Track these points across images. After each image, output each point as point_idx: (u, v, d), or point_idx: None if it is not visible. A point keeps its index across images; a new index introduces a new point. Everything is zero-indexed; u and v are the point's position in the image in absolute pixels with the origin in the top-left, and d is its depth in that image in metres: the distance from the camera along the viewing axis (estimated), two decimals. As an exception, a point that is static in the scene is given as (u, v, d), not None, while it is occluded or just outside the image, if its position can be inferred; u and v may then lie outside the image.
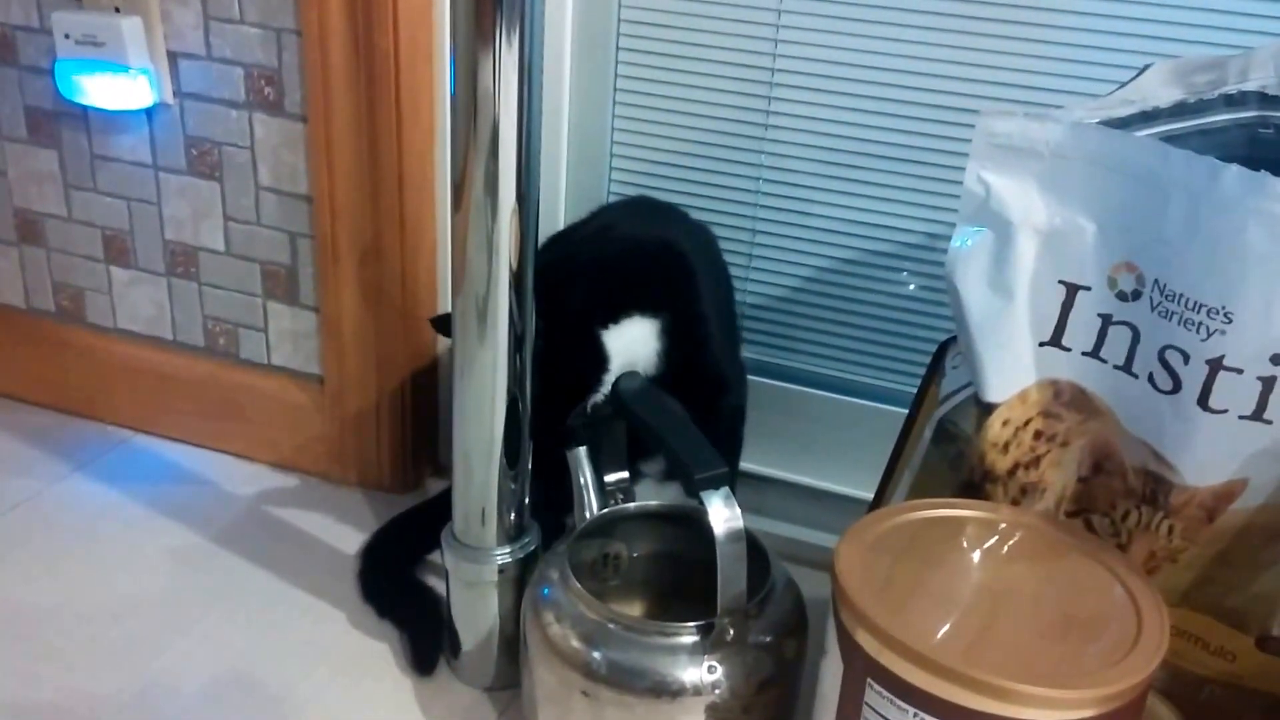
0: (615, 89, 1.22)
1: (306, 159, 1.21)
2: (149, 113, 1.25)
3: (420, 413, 1.31)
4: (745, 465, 1.24)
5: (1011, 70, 1.07)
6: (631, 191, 1.25)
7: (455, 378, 0.94)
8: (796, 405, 1.23)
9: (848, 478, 1.21)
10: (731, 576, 0.81)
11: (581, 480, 0.99)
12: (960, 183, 0.83)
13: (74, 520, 1.24)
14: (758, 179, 1.20)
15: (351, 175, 1.19)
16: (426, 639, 1.07)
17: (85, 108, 1.27)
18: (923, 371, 0.97)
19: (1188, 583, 0.84)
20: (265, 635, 1.09)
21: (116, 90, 1.22)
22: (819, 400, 1.23)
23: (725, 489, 0.81)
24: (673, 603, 1.03)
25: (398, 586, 1.15)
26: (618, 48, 1.20)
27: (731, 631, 0.83)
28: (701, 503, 0.81)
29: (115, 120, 1.27)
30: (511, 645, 1.01)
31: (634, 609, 1.04)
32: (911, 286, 1.18)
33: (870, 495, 1.02)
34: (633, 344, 1.01)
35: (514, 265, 0.89)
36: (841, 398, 1.22)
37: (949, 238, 0.84)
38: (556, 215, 1.25)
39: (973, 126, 0.82)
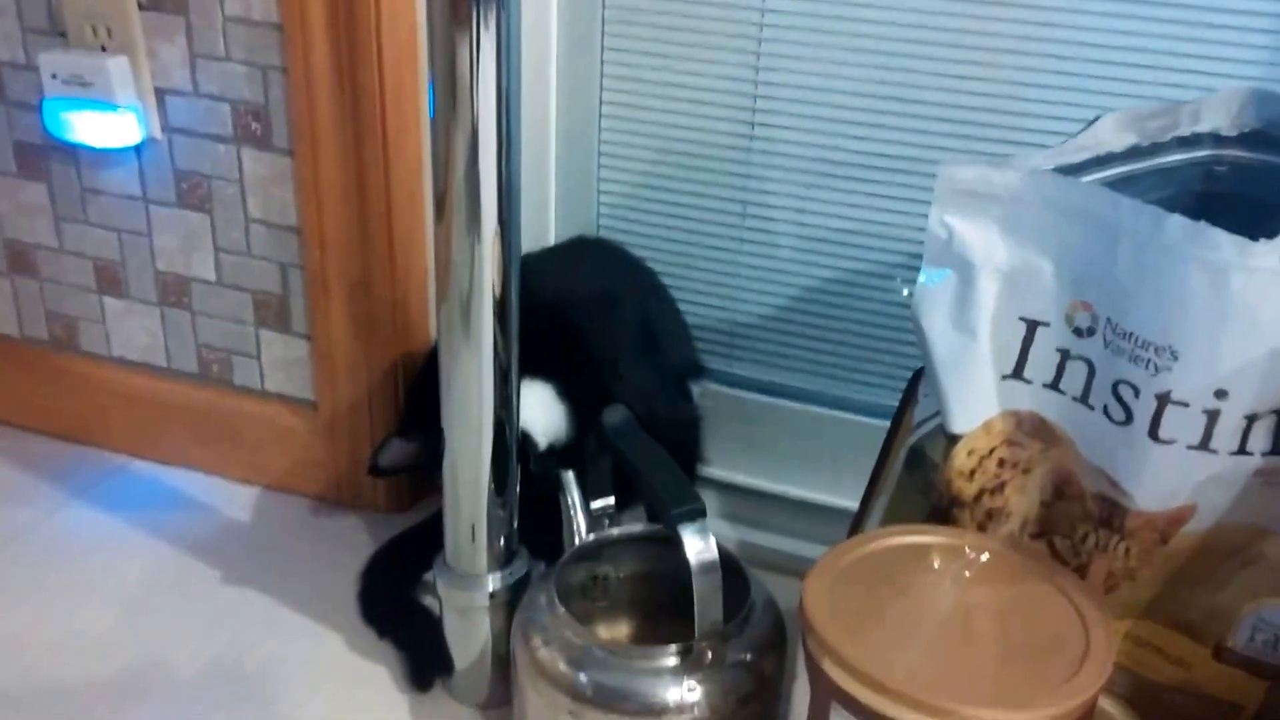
0: (601, 104, 1.25)
1: (295, 192, 1.24)
2: (138, 148, 1.28)
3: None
4: (734, 477, 1.29)
5: (1000, 82, 1.11)
6: (619, 198, 1.28)
7: (442, 405, 0.98)
8: (785, 419, 1.27)
9: (834, 489, 1.25)
10: (707, 605, 0.86)
11: (570, 504, 1.03)
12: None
13: (73, 548, 1.28)
14: (745, 189, 1.23)
15: (339, 208, 1.22)
16: (424, 657, 1.11)
17: (74, 144, 1.30)
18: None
19: (1146, 598, 0.88)
20: (263, 657, 1.13)
21: (104, 127, 1.25)
22: (806, 415, 1.27)
23: (701, 523, 0.86)
24: (660, 621, 1.07)
25: (396, 606, 1.19)
26: (603, 61, 1.24)
27: (710, 654, 0.88)
28: (678, 536, 0.85)
29: (104, 155, 1.31)
30: (503, 665, 1.05)
31: (622, 629, 1.08)
32: (905, 292, 1.21)
33: (855, 505, 1.06)
34: (534, 407, 1.08)
35: (497, 290, 0.92)
36: (828, 411, 1.26)
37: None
38: (546, 235, 1.29)
39: (958, 139, 0.84)
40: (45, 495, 1.37)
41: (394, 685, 1.10)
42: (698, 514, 0.86)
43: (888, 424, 1.03)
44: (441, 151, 0.89)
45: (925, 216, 1.15)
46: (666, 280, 1.28)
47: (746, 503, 1.30)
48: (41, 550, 1.27)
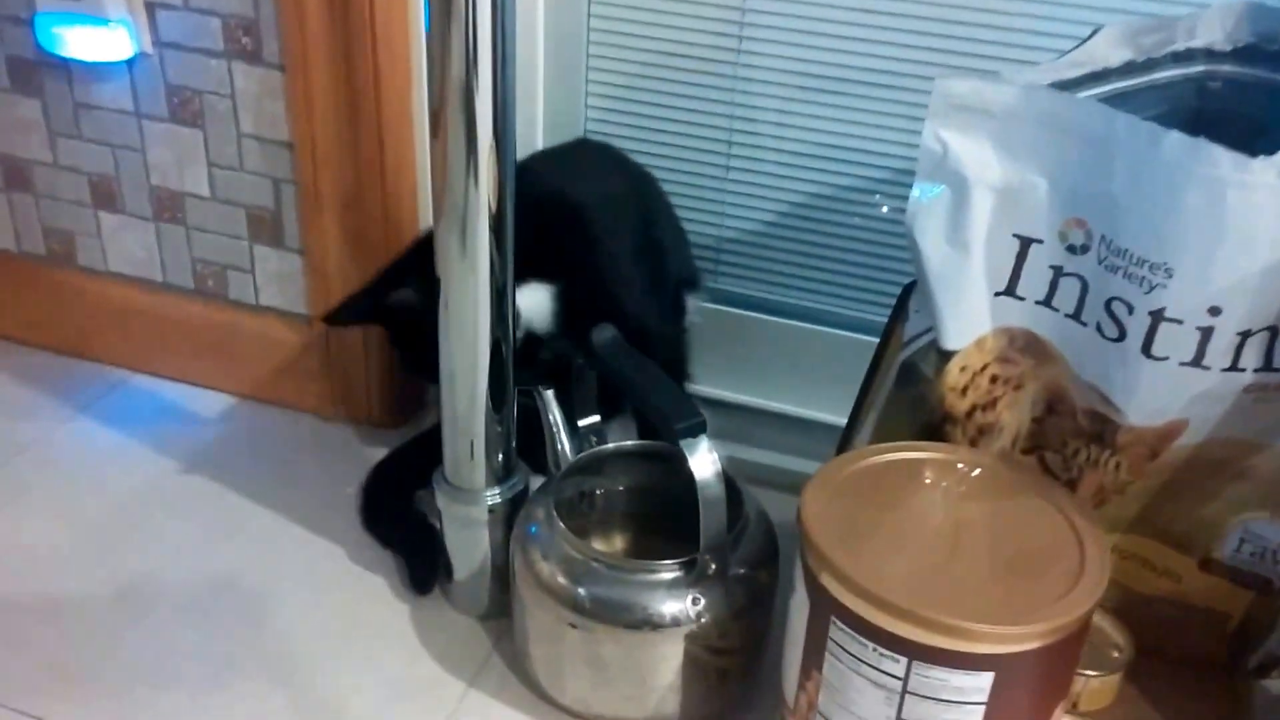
0: (589, 13, 1.23)
1: (286, 107, 1.23)
2: (129, 63, 1.27)
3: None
4: (721, 394, 1.29)
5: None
6: (606, 113, 1.28)
7: (440, 322, 0.98)
8: (772, 335, 1.28)
9: (820, 404, 1.26)
10: (713, 518, 0.87)
11: (551, 421, 1.03)
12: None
13: (75, 462, 1.29)
14: (731, 103, 1.22)
15: (331, 122, 1.21)
16: (424, 562, 1.13)
17: (66, 59, 1.29)
18: (892, 304, 1.02)
19: (1135, 512, 0.90)
20: (263, 568, 1.14)
21: (96, 42, 1.24)
22: (793, 330, 1.27)
23: (704, 437, 0.86)
24: (651, 535, 1.08)
25: (397, 516, 1.20)
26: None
27: (713, 566, 0.89)
28: (681, 451, 0.86)
29: (96, 70, 1.29)
30: (503, 576, 1.06)
31: (615, 542, 1.10)
32: (884, 209, 1.21)
33: (841, 420, 1.07)
34: (532, 308, 1.07)
35: (493, 206, 0.92)
36: (815, 327, 1.26)
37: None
38: (534, 143, 1.28)
39: (950, 54, 0.82)
40: (48, 410, 1.38)
41: (395, 596, 1.12)
42: (699, 428, 0.87)
43: (874, 340, 1.04)
44: (437, 66, 0.88)
45: (911, 133, 1.16)
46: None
47: (733, 418, 1.30)
48: (45, 465, 1.29)
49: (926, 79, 1.11)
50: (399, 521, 1.19)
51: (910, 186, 1.16)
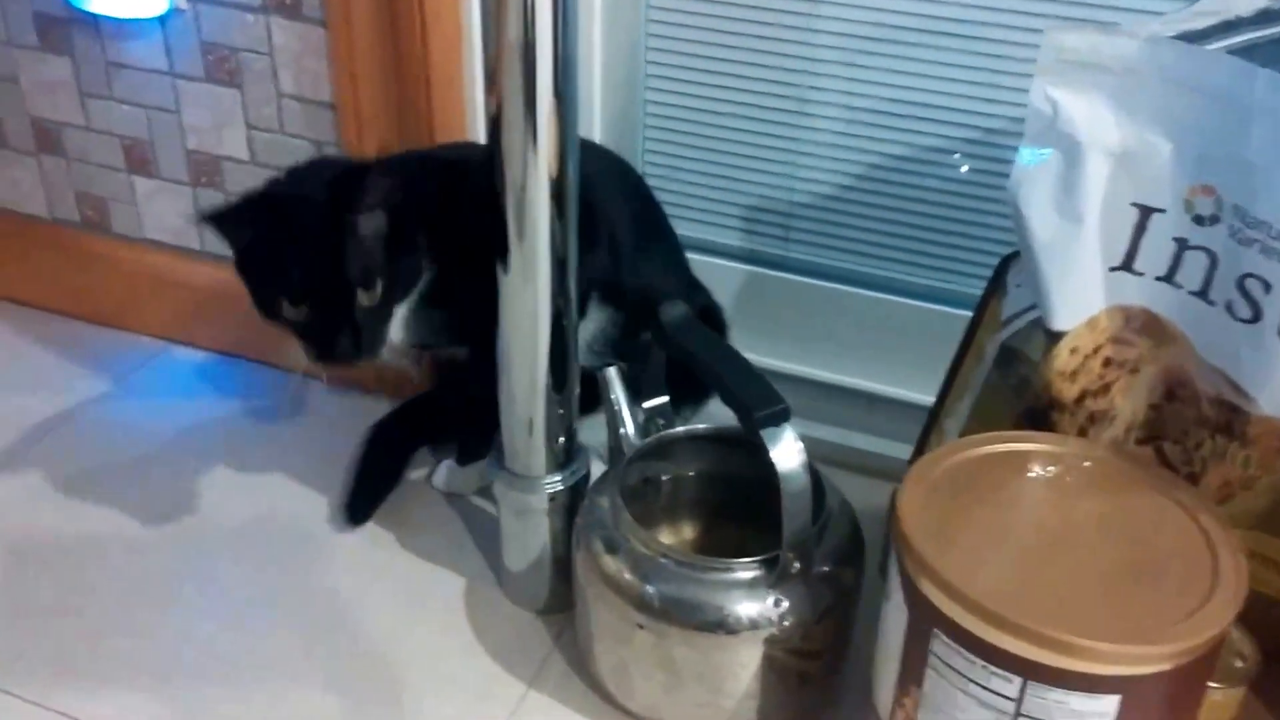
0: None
1: (328, 65, 1.16)
2: (162, 19, 1.20)
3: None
4: (794, 368, 1.22)
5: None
6: (668, 68, 1.20)
7: (500, 298, 0.91)
8: (846, 306, 1.20)
9: (901, 381, 1.18)
10: (796, 512, 0.80)
11: (614, 400, 0.96)
12: (1025, 71, 0.79)
13: (115, 434, 1.24)
14: (803, 56, 1.14)
15: (375, 81, 1.14)
16: (366, 493, 1.13)
17: (96, 15, 1.22)
18: (979, 273, 0.94)
19: (1262, 507, 0.82)
20: (316, 554, 1.09)
21: (127, -3, 1.18)
22: (869, 301, 1.19)
23: (787, 426, 0.79)
24: (721, 523, 1.02)
25: (383, 464, 1.17)
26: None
27: (797, 564, 0.82)
28: (762, 440, 0.79)
29: (128, 27, 1.22)
30: (563, 569, 1.00)
31: (684, 532, 1.03)
32: (964, 169, 1.12)
33: (923, 398, 1.00)
34: None
35: (554, 168, 0.85)
36: (894, 298, 1.18)
37: (1008, 130, 0.80)
38: (592, 110, 1.20)
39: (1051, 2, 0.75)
40: (87, 382, 1.32)
41: (450, 583, 1.06)
42: (782, 416, 0.79)
43: (961, 313, 0.96)
44: (492, 19, 0.80)
45: (999, 88, 1.07)
46: (719, 156, 1.21)
47: (806, 394, 1.22)
48: (86, 437, 1.24)
49: (1020, 30, 1.03)
50: (378, 462, 1.16)
51: (997, 146, 1.09)
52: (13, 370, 1.35)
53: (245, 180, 1.26)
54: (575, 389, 0.96)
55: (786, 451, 0.79)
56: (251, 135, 1.24)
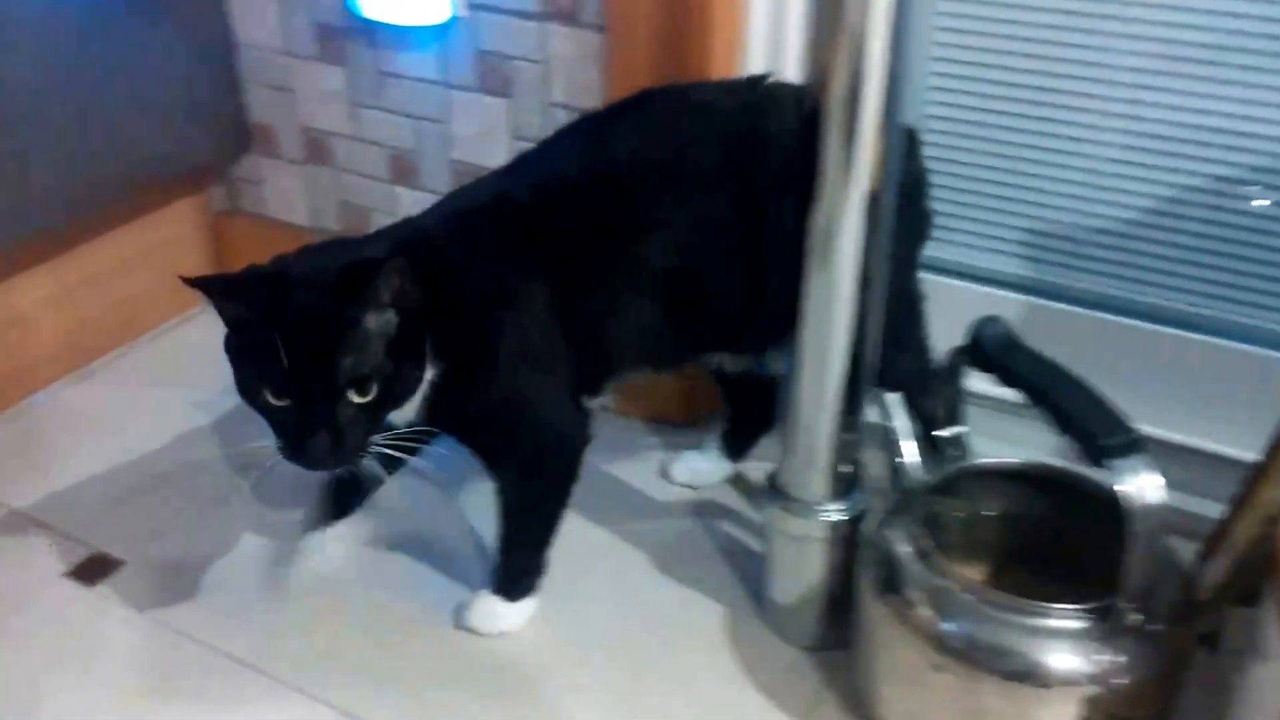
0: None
1: (602, 73, 1.14)
2: (440, 28, 1.20)
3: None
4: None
5: None
6: (951, 79, 1.12)
7: (800, 311, 0.85)
8: (1140, 343, 1.10)
9: (1203, 430, 1.07)
10: (1144, 557, 0.72)
11: (894, 428, 0.89)
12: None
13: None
14: (1101, 64, 1.05)
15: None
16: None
17: (375, 23, 1.22)
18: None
19: None
20: (572, 585, 1.04)
21: (411, 5, 1.17)
22: (1181, 343, 1.08)
23: (1139, 457, 0.71)
24: (1010, 567, 0.93)
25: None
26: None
27: (1132, 618, 0.74)
28: (1110, 471, 0.71)
29: (404, 36, 1.23)
30: (836, 605, 0.94)
31: (972, 572, 0.95)
32: (1265, 203, 1.02)
33: (1246, 455, 0.89)
34: None
35: (871, 187, 0.79)
36: (1200, 336, 1.07)
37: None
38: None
39: None
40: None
41: (709, 612, 1.01)
42: (1133, 446, 0.71)
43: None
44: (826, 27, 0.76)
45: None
46: (1001, 175, 1.13)
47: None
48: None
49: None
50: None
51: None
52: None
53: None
54: (863, 416, 0.90)
55: (1138, 486, 0.70)
56: (514, 145, 1.22)
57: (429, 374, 0.88)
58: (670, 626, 1.00)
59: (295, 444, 0.83)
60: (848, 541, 0.91)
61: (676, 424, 1.26)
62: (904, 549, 0.83)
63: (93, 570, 1.07)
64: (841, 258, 0.81)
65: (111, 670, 0.96)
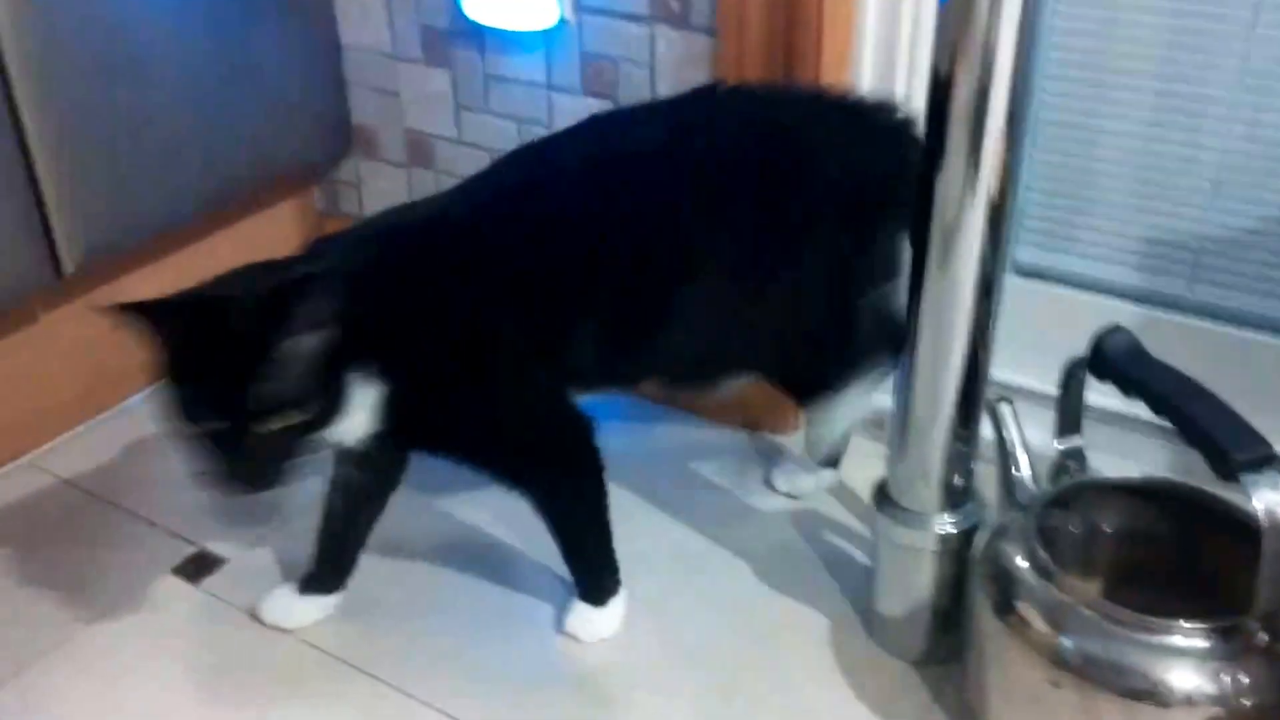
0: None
1: (711, 75, 1.13)
2: (548, 31, 1.20)
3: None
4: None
5: None
6: (1066, 82, 1.10)
7: (909, 318, 0.84)
8: (1263, 356, 1.06)
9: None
10: (1274, 576, 0.69)
11: (1008, 439, 0.87)
12: None
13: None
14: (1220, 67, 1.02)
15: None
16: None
17: (481, 27, 1.23)
18: None
19: None
20: (674, 593, 1.04)
21: (520, 9, 1.18)
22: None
23: (1274, 472, 0.69)
24: (1126, 587, 0.90)
25: None
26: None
27: (1259, 638, 0.71)
28: (1241, 486, 0.69)
29: (512, 39, 1.23)
30: (946, 619, 0.92)
31: (1087, 589, 0.92)
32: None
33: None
34: None
35: (995, 194, 0.78)
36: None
37: None
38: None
39: None
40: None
41: (813, 623, 0.99)
42: (1268, 460, 0.69)
43: None
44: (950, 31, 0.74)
45: None
46: (1115, 181, 1.09)
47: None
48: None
49: None
50: None
51: None
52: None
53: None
54: (979, 427, 0.88)
55: (1272, 502, 0.68)
56: (619, 149, 1.22)
57: (380, 393, 0.85)
58: (773, 637, 0.99)
59: (216, 469, 0.81)
60: (959, 554, 0.90)
61: (778, 432, 1.25)
62: (1020, 563, 0.81)
63: (197, 567, 1.08)
64: (962, 263, 0.80)
65: (211, 664, 0.98)
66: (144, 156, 1.20)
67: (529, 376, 0.92)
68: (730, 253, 0.96)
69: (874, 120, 1.00)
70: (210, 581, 1.06)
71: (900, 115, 0.99)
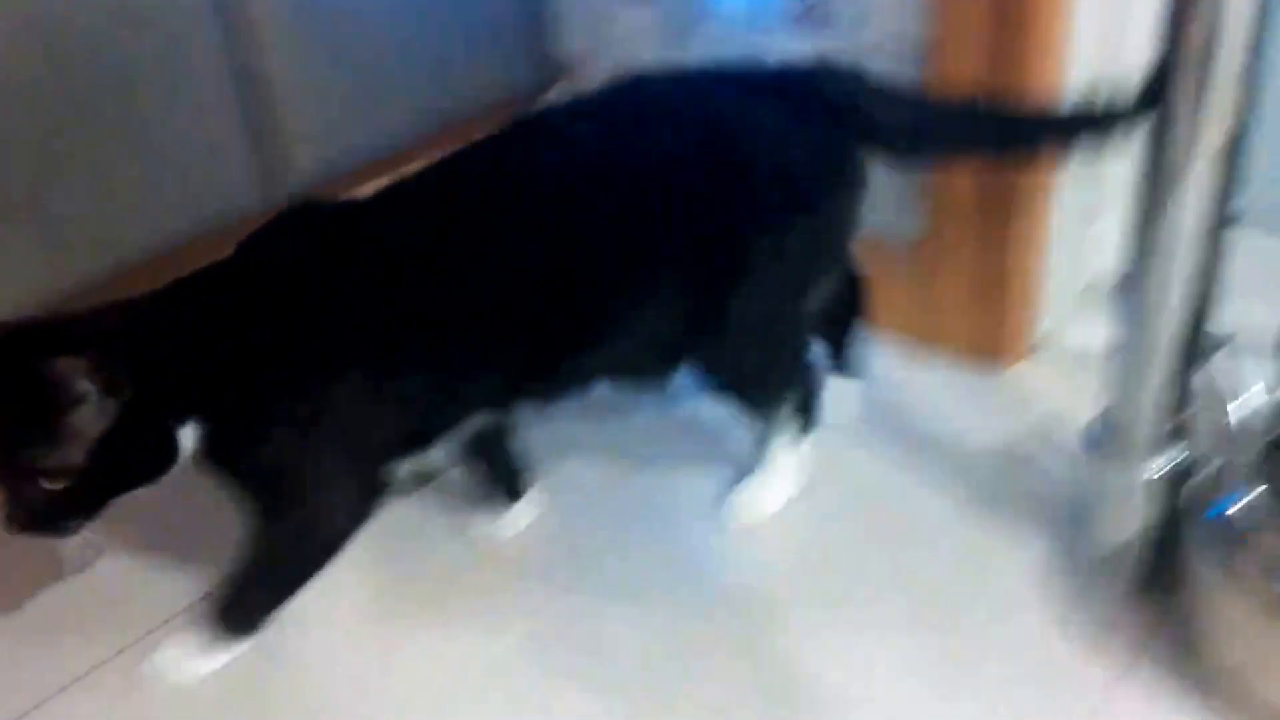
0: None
1: (919, 14, 1.13)
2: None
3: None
4: None
5: None
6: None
7: (1131, 256, 0.85)
8: None
9: None
10: None
11: (1226, 383, 0.88)
12: None
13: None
14: None
15: (968, 29, 1.10)
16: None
17: None
18: None
19: None
20: (883, 526, 1.07)
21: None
22: None
23: None
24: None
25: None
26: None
27: None
28: None
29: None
30: (1159, 554, 0.93)
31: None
32: None
33: None
34: None
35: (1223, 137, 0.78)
36: None
37: None
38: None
39: None
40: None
41: (1022, 559, 1.01)
42: None
43: None
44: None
45: None
46: None
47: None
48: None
49: None
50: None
51: None
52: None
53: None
54: (1198, 368, 0.89)
55: None
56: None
57: (191, 437, 0.85)
58: (982, 568, 1.01)
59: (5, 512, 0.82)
60: (1173, 491, 0.91)
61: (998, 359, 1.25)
62: (1238, 506, 0.82)
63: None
64: (1185, 207, 0.80)
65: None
66: (359, 86, 1.30)
67: (350, 433, 0.90)
68: (665, 257, 0.93)
69: (803, 99, 0.96)
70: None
71: (833, 86, 0.98)
